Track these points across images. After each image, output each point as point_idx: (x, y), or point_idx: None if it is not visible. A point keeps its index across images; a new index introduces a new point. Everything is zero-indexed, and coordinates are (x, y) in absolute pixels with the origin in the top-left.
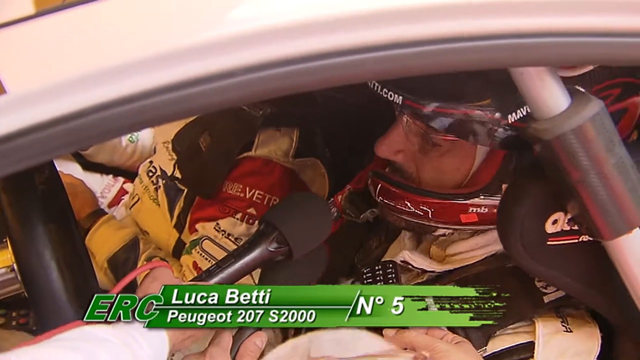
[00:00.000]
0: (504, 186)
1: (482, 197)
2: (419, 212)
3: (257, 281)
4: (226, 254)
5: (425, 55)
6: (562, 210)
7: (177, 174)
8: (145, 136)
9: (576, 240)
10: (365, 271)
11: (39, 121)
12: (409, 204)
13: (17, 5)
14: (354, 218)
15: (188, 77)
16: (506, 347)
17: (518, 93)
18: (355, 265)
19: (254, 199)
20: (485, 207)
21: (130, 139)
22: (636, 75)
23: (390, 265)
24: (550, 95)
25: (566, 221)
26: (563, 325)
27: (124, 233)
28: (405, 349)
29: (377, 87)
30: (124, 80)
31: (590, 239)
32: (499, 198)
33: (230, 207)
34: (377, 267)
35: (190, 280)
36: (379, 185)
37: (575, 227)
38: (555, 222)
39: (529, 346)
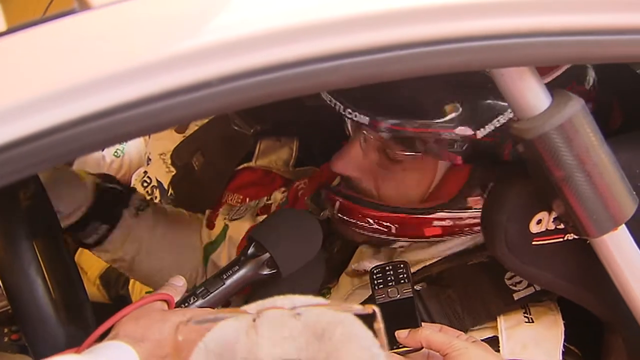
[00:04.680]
0: (469, 199)
1: (446, 211)
2: (382, 228)
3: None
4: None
5: (404, 59)
6: (547, 209)
7: (171, 191)
8: (131, 149)
9: (562, 239)
10: (375, 271)
11: (16, 137)
12: (370, 221)
13: None
14: (317, 217)
15: (166, 88)
16: None
17: (487, 107)
18: None
19: None
20: (449, 220)
21: (115, 153)
22: None
23: (402, 265)
24: (531, 95)
25: (551, 220)
26: (525, 316)
27: None
28: (421, 348)
29: (340, 107)
30: (100, 94)
31: (576, 237)
32: (462, 212)
33: None
34: (388, 267)
35: (177, 304)
36: (337, 202)
37: (560, 226)
38: (539, 222)
39: (494, 341)
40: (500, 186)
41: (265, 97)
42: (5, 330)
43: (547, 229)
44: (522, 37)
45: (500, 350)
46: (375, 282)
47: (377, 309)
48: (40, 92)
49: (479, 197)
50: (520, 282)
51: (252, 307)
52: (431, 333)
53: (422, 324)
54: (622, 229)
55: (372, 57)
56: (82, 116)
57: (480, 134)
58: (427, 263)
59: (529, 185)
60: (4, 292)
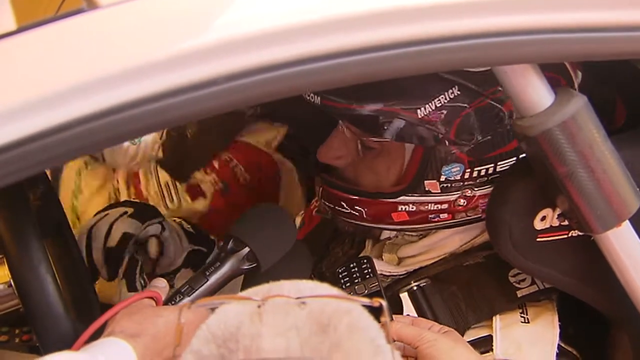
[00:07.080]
0: (426, 182)
1: (408, 195)
2: (354, 212)
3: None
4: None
5: (408, 56)
6: (551, 206)
7: (160, 154)
8: (147, 137)
9: (566, 236)
10: (340, 270)
11: (25, 135)
12: (344, 204)
13: None
14: (324, 215)
15: (172, 86)
16: (467, 340)
17: (425, 89)
18: (322, 272)
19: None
20: (412, 205)
21: (132, 142)
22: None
23: (365, 261)
24: (534, 92)
25: (555, 217)
26: (521, 316)
27: None
28: (394, 341)
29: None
30: (106, 92)
31: (581, 233)
32: (423, 196)
33: None
34: (352, 265)
35: (163, 302)
36: (321, 188)
37: (565, 223)
38: (543, 218)
39: (488, 339)
40: (503, 183)
41: (269, 94)
42: (17, 331)
43: (551, 226)
44: (525, 35)
45: (494, 350)
46: (342, 281)
47: (384, 303)
48: (48, 90)
49: (434, 181)
50: (524, 279)
51: (258, 293)
52: (402, 327)
53: (393, 317)
54: (626, 225)
55: (376, 54)
56: (89, 114)
57: (421, 113)
58: (424, 264)
59: (533, 182)
60: (15, 291)
